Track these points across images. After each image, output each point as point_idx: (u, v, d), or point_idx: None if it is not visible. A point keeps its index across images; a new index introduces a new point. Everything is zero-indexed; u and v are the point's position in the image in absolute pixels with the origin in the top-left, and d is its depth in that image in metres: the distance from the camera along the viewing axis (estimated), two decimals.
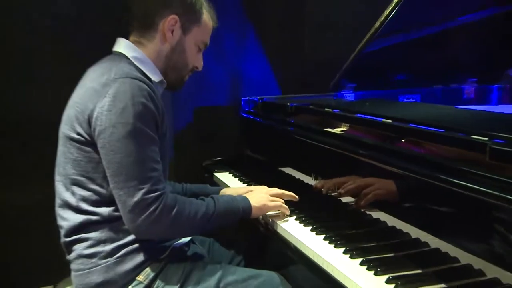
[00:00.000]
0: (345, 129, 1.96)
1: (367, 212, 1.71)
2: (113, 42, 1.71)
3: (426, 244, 1.46)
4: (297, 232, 1.65)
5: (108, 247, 1.56)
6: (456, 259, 1.35)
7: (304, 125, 2.10)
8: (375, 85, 2.65)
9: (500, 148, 1.24)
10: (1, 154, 2.42)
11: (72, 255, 1.60)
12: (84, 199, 1.56)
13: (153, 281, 1.58)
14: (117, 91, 1.49)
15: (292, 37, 3.06)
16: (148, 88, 1.53)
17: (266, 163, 2.48)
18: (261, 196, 1.77)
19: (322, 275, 1.44)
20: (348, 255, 1.44)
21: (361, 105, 2.16)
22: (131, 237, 1.57)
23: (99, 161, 1.52)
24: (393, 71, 2.62)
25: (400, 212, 1.58)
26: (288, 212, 1.77)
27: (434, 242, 1.44)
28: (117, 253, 1.56)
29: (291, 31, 3.05)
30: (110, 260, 1.56)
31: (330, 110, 2.09)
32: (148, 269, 1.59)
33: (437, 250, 1.42)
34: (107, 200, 1.55)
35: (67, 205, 1.59)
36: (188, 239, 1.79)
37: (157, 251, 1.62)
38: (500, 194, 1.16)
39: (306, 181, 2.10)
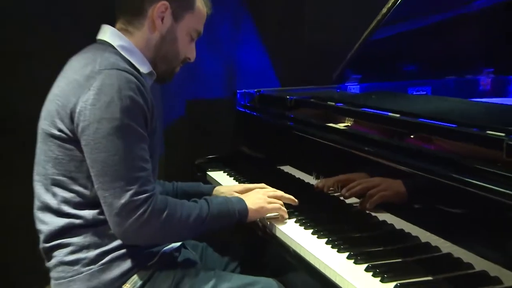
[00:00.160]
0: (349, 124, 1.96)
1: (373, 214, 1.71)
2: (97, 30, 1.70)
3: (437, 248, 1.45)
4: (297, 235, 1.65)
5: (92, 253, 1.55)
6: (470, 265, 1.35)
7: (305, 119, 2.10)
8: (382, 76, 2.65)
9: None
10: (1, 154, 2.46)
11: (52, 262, 1.58)
12: (66, 201, 1.55)
13: None
14: (102, 83, 1.47)
15: (292, 24, 3.06)
16: (136, 81, 1.51)
17: (264, 161, 2.48)
18: (258, 198, 1.77)
19: (324, 282, 1.43)
20: (352, 260, 1.44)
21: (367, 98, 2.16)
22: (117, 243, 1.56)
23: (82, 159, 1.51)
24: (401, 61, 2.61)
25: (409, 214, 1.57)
26: (286, 216, 1.77)
27: (445, 246, 1.43)
28: (102, 259, 1.55)
29: (291, 17, 3.05)
30: (94, 267, 1.54)
31: (333, 103, 2.08)
32: (135, 277, 1.58)
33: (449, 255, 1.41)
34: (91, 202, 1.54)
35: (47, 208, 1.58)
36: (178, 244, 1.78)
37: (145, 258, 1.61)
38: None
39: (306, 181, 2.10)
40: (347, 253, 1.47)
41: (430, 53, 2.55)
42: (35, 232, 1.63)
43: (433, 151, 1.49)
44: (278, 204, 1.77)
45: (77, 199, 1.55)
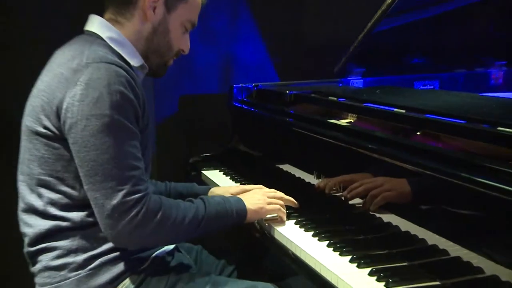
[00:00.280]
0: (352, 120, 1.95)
1: (377, 215, 1.70)
2: (84, 20, 1.69)
3: (445, 252, 1.45)
4: (297, 237, 1.64)
5: (80, 257, 1.54)
6: (480, 270, 1.34)
7: (305, 116, 2.10)
8: (387, 69, 2.65)
9: None
10: (1, 153, 2.45)
11: (37, 267, 1.58)
12: (53, 203, 1.55)
13: None
14: (90, 78, 1.46)
15: (291, 16, 3.05)
16: (126, 74, 1.51)
17: (262, 160, 2.48)
18: (257, 198, 1.76)
19: (325, 286, 1.43)
20: (355, 264, 1.44)
21: (371, 93, 2.16)
22: (107, 246, 1.56)
23: (70, 158, 1.51)
24: (408, 53, 2.62)
25: (415, 215, 1.57)
26: (285, 218, 1.77)
27: (454, 249, 1.43)
28: (90, 264, 1.55)
29: (290, 8, 3.04)
30: (82, 272, 1.54)
31: (335, 98, 2.09)
32: (126, 282, 1.57)
33: (457, 259, 1.41)
34: (79, 204, 1.54)
35: (33, 210, 1.57)
36: (172, 247, 1.78)
37: (136, 262, 1.61)
38: None
39: (307, 180, 2.10)
40: (349, 257, 1.47)
41: (438, 45, 2.55)
42: (20, 235, 1.63)
43: (441, 149, 1.49)
44: (278, 205, 1.76)
45: (65, 200, 1.54)
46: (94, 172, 1.45)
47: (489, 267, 1.32)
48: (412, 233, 1.57)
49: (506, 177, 1.22)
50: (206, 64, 2.88)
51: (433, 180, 1.41)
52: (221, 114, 2.78)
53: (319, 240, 1.61)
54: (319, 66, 2.83)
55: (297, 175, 2.18)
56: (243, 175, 2.31)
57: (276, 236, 1.72)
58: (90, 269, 1.54)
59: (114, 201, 1.44)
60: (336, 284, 1.40)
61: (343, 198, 1.83)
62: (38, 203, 1.56)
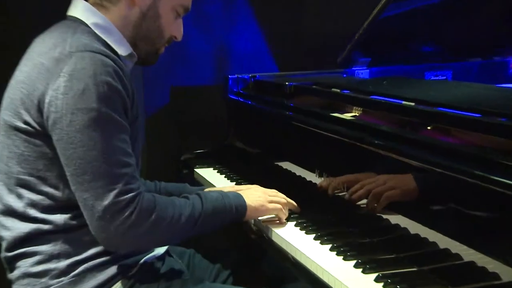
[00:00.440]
0: (357, 114, 1.95)
1: (384, 217, 1.70)
2: (66, 4, 1.68)
3: (457, 256, 1.45)
4: (297, 240, 1.64)
5: (63, 263, 1.54)
6: (496, 276, 1.34)
7: (306, 109, 2.10)
8: (395, 59, 2.65)
9: None
10: None
11: (16, 273, 1.57)
12: (33, 204, 1.54)
13: None
14: (74, 68, 1.45)
15: (291, 2, 3.05)
16: (113, 64, 1.50)
17: (260, 157, 2.48)
18: (258, 195, 1.77)
19: None
20: (360, 269, 1.43)
21: (377, 84, 2.16)
22: (92, 251, 1.55)
23: (52, 156, 1.50)
24: (417, 41, 2.61)
25: (425, 216, 1.57)
26: (284, 219, 1.77)
27: (468, 253, 1.43)
28: (74, 270, 1.54)
29: None
30: (65, 279, 1.54)
31: (339, 90, 2.09)
32: None
33: (471, 264, 1.41)
34: (62, 205, 1.53)
35: (11, 212, 1.56)
36: (162, 251, 1.77)
37: (123, 268, 1.60)
38: None
39: (308, 179, 2.10)
40: (354, 261, 1.47)
41: (451, 32, 2.54)
42: None
43: (453, 145, 1.49)
44: (279, 205, 1.76)
45: (47, 201, 1.54)
46: (82, 171, 1.45)
47: (506, 273, 1.32)
48: (422, 235, 1.57)
49: None
50: (199, 52, 2.88)
51: (444, 178, 1.41)
52: (215, 107, 2.78)
53: (321, 243, 1.61)
54: (321, 55, 2.83)
55: (297, 173, 2.18)
56: (239, 174, 2.31)
57: (275, 238, 1.72)
58: (74, 276, 1.54)
59: (105, 202, 1.44)
60: None
61: (347, 199, 1.83)
62: (17, 205, 1.55)
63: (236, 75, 2.68)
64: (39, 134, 1.50)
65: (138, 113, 1.63)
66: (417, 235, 1.58)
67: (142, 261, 1.66)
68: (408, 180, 1.57)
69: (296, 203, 1.83)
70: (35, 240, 1.55)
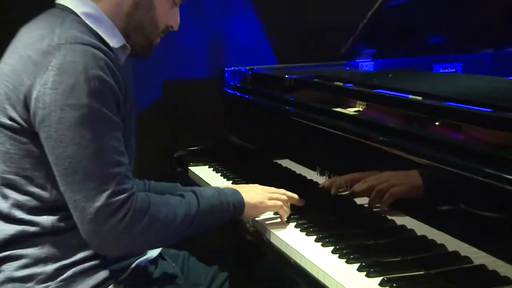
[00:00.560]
0: (360, 108, 1.95)
1: (389, 217, 1.71)
2: None
3: (467, 259, 1.45)
4: (297, 242, 1.64)
5: (50, 267, 1.54)
6: (507, 279, 1.34)
7: (307, 103, 2.10)
8: (401, 50, 2.65)
9: None
10: None
11: None
12: (19, 205, 1.54)
13: None
14: (63, 62, 1.45)
15: None
16: (105, 57, 1.50)
17: (258, 154, 2.48)
18: (257, 192, 1.77)
19: None
20: (364, 273, 1.44)
21: (382, 77, 2.16)
22: (81, 255, 1.55)
23: (39, 155, 1.50)
24: (425, 31, 2.60)
25: (433, 217, 1.57)
26: (285, 217, 1.77)
27: (478, 256, 1.43)
28: (62, 275, 1.54)
29: None
30: (52, 284, 1.54)
31: (341, 84, 2.09)
32: None
33: (482, 267, 1.41)
34: (50, 207, 1.53)
35: None
36: (155, 254, 1.78)
37: (114, 272, 1.60)
38: None
39: (309, 177, 2.10)
40: (357, 264, 1.47)
41: (461, 21, 2.52)
42: None
43: (463, 142, 1.49)
44: (280, 201, 1.76)
45: (33, 202, 1.54)
46: (73, 171, 1.44)
47: None
48: (429, 237, 1.57)
49: None
50: (193, 43, 2.87)
51: (453, 176, 1.41)
52: (210, 102, 2.78)
53: (322, 245, 1.61)
54: (322, 47, 2.83)
55: (297, 172, 2.19)
56: (236, 172, 2.31)
57: (274, 240, 1.72)
58: (61, 281, 1.54)
59: (97, 203, 1.44)
60: None
61: (351, 198, 1.83)
62: (2, 205, 1.55)
63: (232, 68, 2.68)
64: (25, 131, 1.50)
65: (132, 109, 1.63)
66: (424, 237, 1.59)
67: (134, 265, 1.66)
68: (413, 176, 1.57)
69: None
70: (21, 242, 1.55)
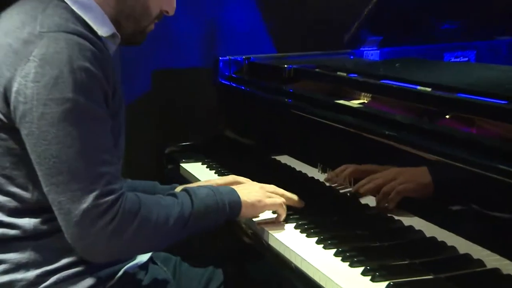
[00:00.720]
0: (365, 101, 1.96)
1: (396, 217, 1.71)
2: None
3: (480, 262, 1.45)
4: (297, 245, 1.65)
5: (31, 273, 1.54)
6: None
7: (308, 95, 2.11)
8: (410, 37, 2.64)
9: None
10: None
11: None
12: None
13: None
14: (46, 52, 1.44)
15: None
16: (92, 47, 1.49)
17: (255, 150, 2.48)
18: (255, 190, 1.77)
19: None
20: (369, 277, 1.44)
21: (389, 67, 2.17)
22: (66, 260, 1.55)
23: (20, 153, 1.49)
24: (436, 17, 2.59)
25: (443, 217, 1.58)
26: (283, 217, 1.77)
27: (492, 259, 1.43)
28: (44, 281, 1.54)
29: None
30: None
31: (345, 74, 2.09)
32: None
33: (496, 271, 1.41)
34: (32, 208, 1.53)
35: None
36: (145, 258, 1.78)
37: (101, 279, 1.61)
38: None
39: (310, 175, 2.11)
40: (362, 268, 1.47)
41: (475, 5, 2.52)
42: None
43: (475, 136, 1.50)
44: (279, 200, 1.76)
45: (13, 203, 1.54)
46: (57, 171, 1.44)
47: None
48: (439, 239, 1.58)
49: None
50: (185, 30, 2.87)
51: (465, 174, 1.41)
52: (204, 93, 2.78)
53: (324, 247, 1.61)
54: (325, 34, 2.82)
55: (297, 169, 2.19)
56: (231, 169, 2.31)
57: (272, 243, 1.72)
58: None
59: (84, 205, 1.43)
60: None
61: (355, 197, 1.84)
62: None
63: (227, 57, 2.68)
64: (4, 127, 1.50)
65: (121, 103, 1.63)
66: (433, 239, 1.59)
67: (122, 270, 1.66)
68: (422, 174, 1.57)
69: None
70: (0, 247, 1.55)
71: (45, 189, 1.47)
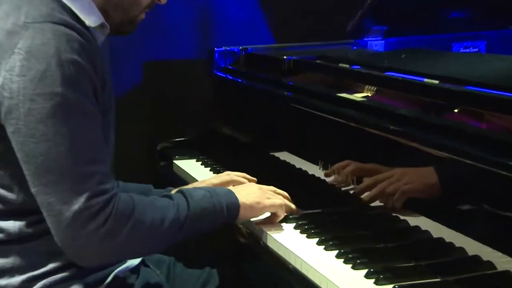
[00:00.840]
0: (369, 94, 1.96)
1: (401, 217, 1.72)
2: None
3: (489, 264, 1.45)
4: (297, 246, 1.65)
5: (16, 279, 1.55)
6: None
7: (308, 88, 2.11)
8: (416, 27, 2.64)
9: None
10: None
11: None
12: None
13: None
14: (32, 44, 1.44)
15: None
16: (80, 38, 1.49)
17: (252, 146, 2.48)
18: (253, 191, 1.77)
19: None
20: (373, 280, 1.43)
21: (394, 59, 2.17)
22: (53, 265, 1.55)
23: (5, 151, 1.49)
24: (444, 5, 2.60)
25: (451, 217, 1.58)
26: (282, 217, 1.77)
27: (503, 261, 1.43)
28: (31, 287, 1.54)
29: None
30: None
31: (347, 66, 2.09)
32: None
33: (507, 273, 1.41)
34: (17, 210, 1.54)
35: None
36: (137, 262, 1.78)
37: (91, 284, 1.61)
38: None
39: (310, 172, 2.11)
40: (365, 270, 1.47)
41: None
42: None
43: (485, 131, 1.50)
44: (279, 201, 1.76)
45: None
46: (46, 170, 1.44)
47: None
48: (447, 240, 1.58)
49: None
50: (178, 19, 2.87)
51: (474, 171, 1.42)
52: (198, 86, 2.78)
53: (325, 249, 1.61)
54: (326, 23, 2.83)
55: (297, 166, 2.19)
56: (227, 166, 2.30)
57: (270, 244, 1.72)
58: None
59: (75, 206, 1.43)
60: None
61: (357, 196, 1.84)
62: None
63: (223, 48, 2.68)
64: None
65: (111, 97, 1.62)
66: (440, 239, 1.59)
67: (112, 275, 1.67)
68: (428, 174, 1.58)
69: (296, 201, 1.84)
70: None
71: (32, 190, 1.46)
